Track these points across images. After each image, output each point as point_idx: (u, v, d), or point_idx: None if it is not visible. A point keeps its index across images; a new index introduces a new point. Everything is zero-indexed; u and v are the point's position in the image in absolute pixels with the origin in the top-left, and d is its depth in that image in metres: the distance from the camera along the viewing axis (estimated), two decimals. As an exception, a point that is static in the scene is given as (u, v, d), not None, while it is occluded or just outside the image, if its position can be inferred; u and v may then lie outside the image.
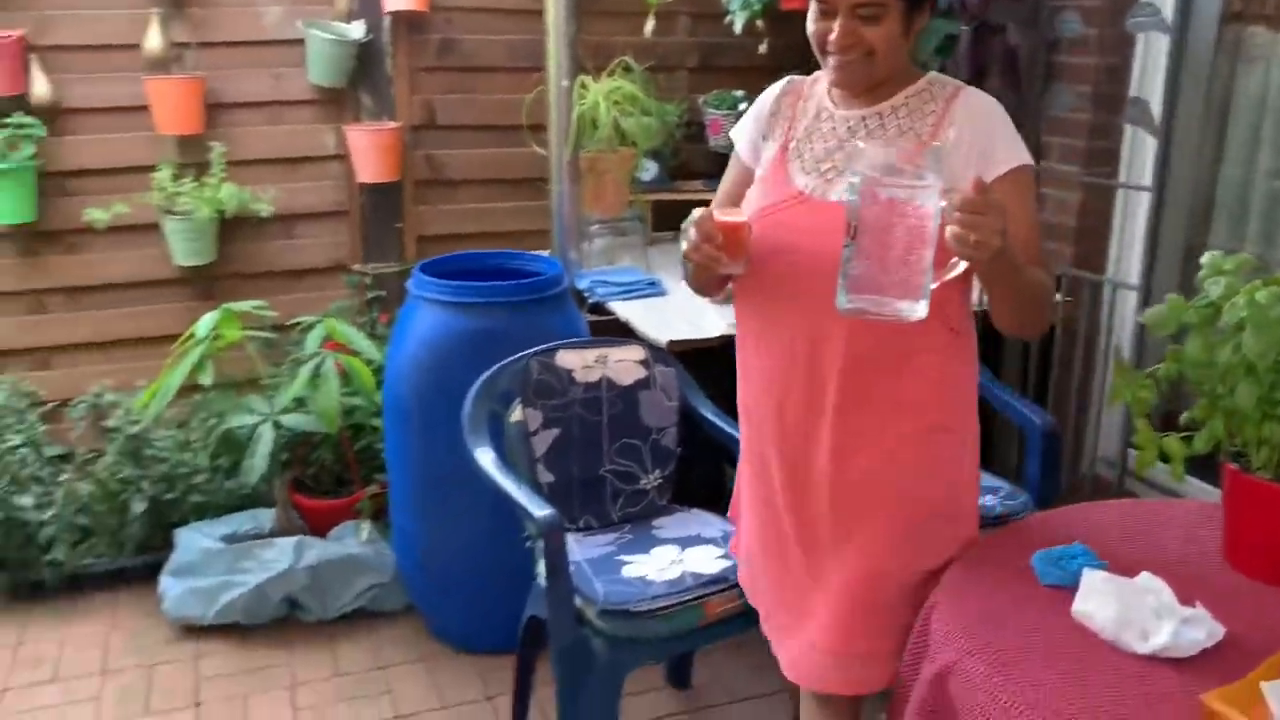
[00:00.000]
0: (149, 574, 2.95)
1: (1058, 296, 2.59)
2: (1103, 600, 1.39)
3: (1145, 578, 1.42)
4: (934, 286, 1.36)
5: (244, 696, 2.60)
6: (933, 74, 1.61)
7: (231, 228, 3.23)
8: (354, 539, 2.94)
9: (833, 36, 1.51)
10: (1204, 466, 1.85)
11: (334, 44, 3.18)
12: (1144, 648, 1.33)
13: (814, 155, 1.60)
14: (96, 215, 3.06)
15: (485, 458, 2.14)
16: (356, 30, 3.24)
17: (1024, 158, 1.54)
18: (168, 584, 2.84)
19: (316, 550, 2.84)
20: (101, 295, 3.22)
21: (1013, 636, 1.38)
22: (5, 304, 3.15)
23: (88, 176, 3.12)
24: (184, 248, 3.14)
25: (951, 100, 1.55)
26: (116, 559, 3.04)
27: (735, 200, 1.70)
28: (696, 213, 1.52)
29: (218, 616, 2.79)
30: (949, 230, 1.30)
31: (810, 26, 1.55)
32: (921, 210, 1.30)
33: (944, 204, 1.31)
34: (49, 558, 2.91)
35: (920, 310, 1.35)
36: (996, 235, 1.30)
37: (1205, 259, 1.57)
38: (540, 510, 1.96)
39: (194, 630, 2.83)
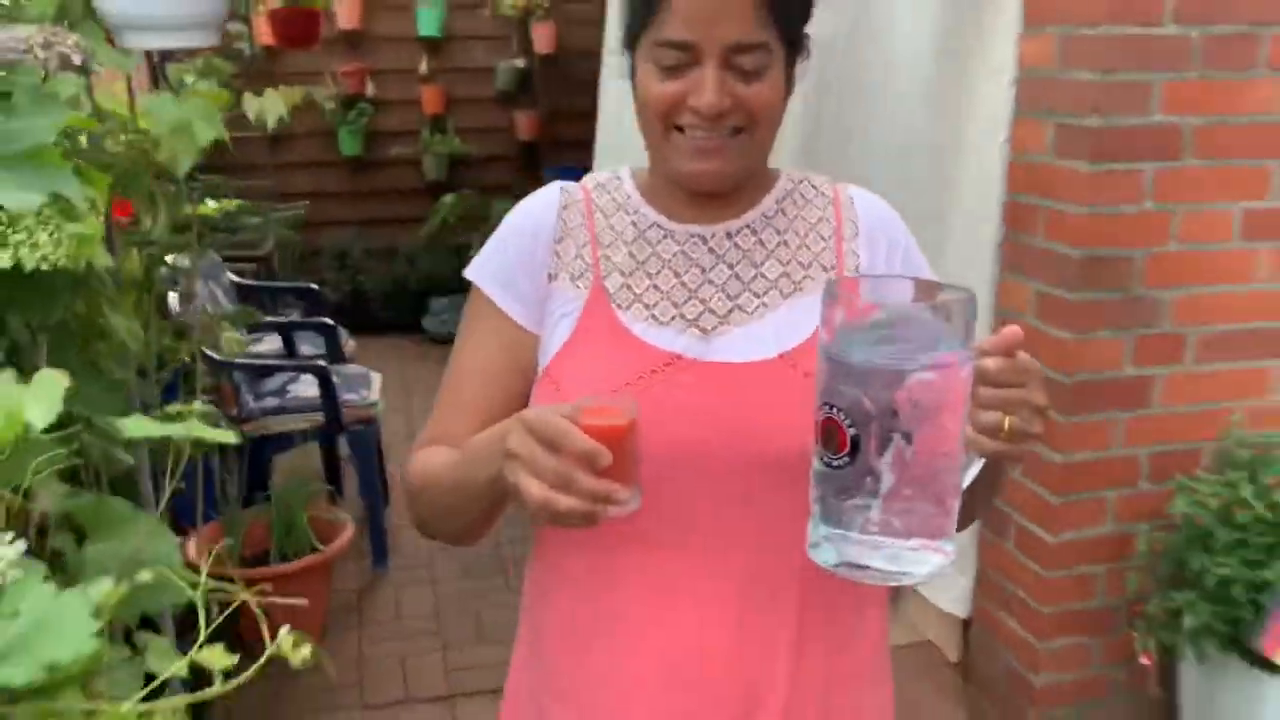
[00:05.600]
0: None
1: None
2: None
3: None
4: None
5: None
6: (789, 169, 1.10)
7: None
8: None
9: (701, 98, 0.95)
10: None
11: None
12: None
13: (667, 296, 1.02)
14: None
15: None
16: None
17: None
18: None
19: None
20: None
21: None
22: None
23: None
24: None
25: (838, 202, 1.07)
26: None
27: (497, 396, 1.04)
28: (537, 417, 0.83)
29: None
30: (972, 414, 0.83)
31: (651, 89, 0.98)
32: (961, 384, 0.79)
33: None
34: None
35: (950, 552, 0.81)
36: (1039, 416, 0.84)
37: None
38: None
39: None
